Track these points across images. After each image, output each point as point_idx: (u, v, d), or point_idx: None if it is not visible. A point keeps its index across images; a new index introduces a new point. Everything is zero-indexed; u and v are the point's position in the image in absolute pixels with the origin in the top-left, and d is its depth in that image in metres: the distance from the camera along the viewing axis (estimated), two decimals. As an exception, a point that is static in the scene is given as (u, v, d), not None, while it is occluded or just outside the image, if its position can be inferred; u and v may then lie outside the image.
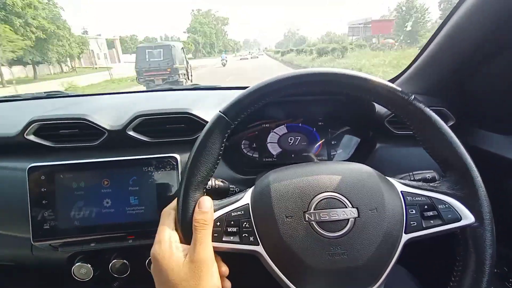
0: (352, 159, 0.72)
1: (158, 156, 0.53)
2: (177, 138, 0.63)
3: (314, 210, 0.37)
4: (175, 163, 0.53)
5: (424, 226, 0.37)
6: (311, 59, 20.45)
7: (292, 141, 0.73)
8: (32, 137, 0.61)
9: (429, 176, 0.47)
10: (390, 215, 0.37)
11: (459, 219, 0.37)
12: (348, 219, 0.36)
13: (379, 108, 0.67)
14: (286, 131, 0.73)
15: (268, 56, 45.02)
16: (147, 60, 10.51)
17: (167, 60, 10.39)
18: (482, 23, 0.53)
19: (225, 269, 0.40)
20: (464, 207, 0.37)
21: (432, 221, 0.37)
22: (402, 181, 0.42)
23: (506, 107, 0.58)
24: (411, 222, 0.37)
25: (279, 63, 25.52)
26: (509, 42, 0.51)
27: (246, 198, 0.40)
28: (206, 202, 0.38)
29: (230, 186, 0.52)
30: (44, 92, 1.00)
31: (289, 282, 0.36)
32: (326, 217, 0.36)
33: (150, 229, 0.50)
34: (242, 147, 0.73)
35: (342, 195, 0.38)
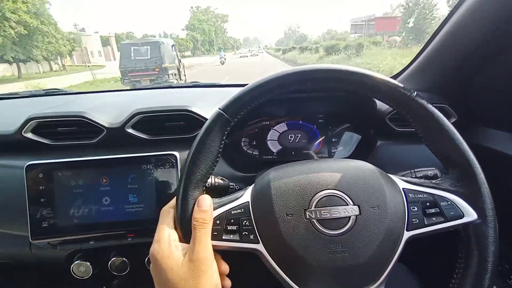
0: (352, 156, 0.71)
1: (157, 153, 0.53)
2: (176, 136, 0.63)
3: (315, 207, 0.36)
4: (174, 161, 0.53)
5: (426, 223, 0.37)
6: (318, 58, 18.67)
7: (292, 139, 0.72)
8: (30, 135, 0.60)
9: (430, 174, 0.47)
10: (391, 212, 0.36)
11: (461, 216, 0.37)
12: (350, 217, 0.36)
13: (380, 105, 0.66)
14: (286, 128, 0.72)
15: (268, 54, 44.28)
16: (133, 58, 9.26)
17: (155, 58, 9.20)
18: (484, 20, 0.52)
19: (225, 268, 0.40)
20: (467, 204, 0.37)
21: (434, 218, 0.37)
22: (403, 178, 0.41)
23: (509, 104, 0.57)
24: (413, 220, 0.37)
25: (281, 62, 23.76)
26: (509, 41, 0.51)
27: (246, 196, 0.40)
28: (205, 200, 0.37)
29: (230, 183, 0.52)
30: (43, 90, 0.99)
31: (290, 280, 0.35)
32: (327, 214, 0.36)
33: (149, 227, 0.50)
34: (242, 144, 0.73)
35: (343, 193, 0.37)
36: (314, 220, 0.36)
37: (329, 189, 0.37)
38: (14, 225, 0.57)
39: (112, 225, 0.52)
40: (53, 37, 21.56)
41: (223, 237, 0.37)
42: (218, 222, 0.38)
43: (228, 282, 0.41)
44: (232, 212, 0.38)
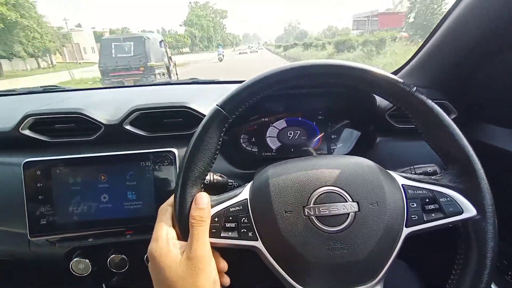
0: (352, 153, 0.71)
1: (155, 150, 0.52)
2: (175, 133, 0.62)
3: (314, 204, 0.36)
4: (172, 158, 0.53)
5: (425, 219, 0.37)
6: (327, 56, 15.95)
7: (291, 135, 0.72)
8: (27, 132, 0.60)
9: (430, 170, 0.47)
10: (391, 208, 0.36)
11: (460, 212, 0.36)
12: (348, 213, 0.36)
13: (380, 101, 0.66)
14: (286, 125, 0.72)
15: (268, 51, 43.16)
16: (114, 56, 8.06)
17: (139, 56, 7.98)
18: (484, 16, 0.51)
19: (224, 265, 0.40)
20: (466, 200, 0.37)
21: (433, 215, 0.37)
22: (403, 174, 0.41)
23: (509, 100, 0.57)
24: (412, 216, 0.37)
25: (283, 60, 21.23)
26: (509, 39, 0.50)
27: (244, 193, 0.39)
28: (203, 198, 0.37)
29: (229, 180, 0.51)
30: (41, 87, 0.99)
31: (288, 277, 0.35)
32: (326, 211, 0.36)
33: (148, 224, 0.50)
34: (241, 141, 0.72)
35: (342, 189, 0.37)
36: (313, 217, 0.36)
37: (328, 185, 0.37)
38: (13, 223, 0.57)
39: (110, 222, 0.52)
40: (35, 31, 19.76)
41: (222, 235, 0.37)
42: (216, 219, 0.37)
43: (226, 280, 0.41)
44: (231, 209, 0.38)
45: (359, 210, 0.36)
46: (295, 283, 0.35)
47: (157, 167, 0.52)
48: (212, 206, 0.38)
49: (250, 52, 41.68)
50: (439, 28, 0.62)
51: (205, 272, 0.34)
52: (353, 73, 0.38)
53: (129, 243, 0.54)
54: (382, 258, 0.36)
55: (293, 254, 0.35)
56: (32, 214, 0.50)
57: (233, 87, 0.39)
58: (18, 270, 0.68)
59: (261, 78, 0.38)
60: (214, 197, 0.40)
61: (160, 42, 8.87)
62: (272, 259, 0.36)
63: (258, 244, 0.36)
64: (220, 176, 0.50)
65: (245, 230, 0.37)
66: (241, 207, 0.38)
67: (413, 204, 0.37)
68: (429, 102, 0.38)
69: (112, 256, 0.56)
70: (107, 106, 0.65)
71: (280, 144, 0.72)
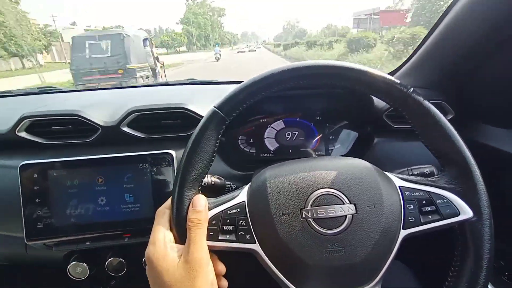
0: (350, 153, 0.71)
1: (153, 152, 0.52)
2: (172, 134, 0.62)
3: (311, 206, 0.36)
4: (170, 160, 0.52)
5: (422, 221, 0.37)
6: (338, 56, 13.27)
7: (289, 136, 0.72)
8: (23, 134, 0.59)
9: (427, 171, 0.47)
10: (388, 211, 0.36)
11: (457, 213, 0.37)
12: (346, 216, 0.36)
13: (377, 102, 0.66)
14: (284, 126, 0.72)
15: (267, 50, 42.52)
16: (88, 56, 6.88)
17: (117, 56, 6.81)
18: (482, 15, 0.52)
19: (222, 268, 0.40)
20: (463, 202, 0.37)
21: (430, 216, 0.37)
22: (400, 176, 0.41)
23: (506, 101, 0.57)
24: (409, 218, 0.37)
25: (283, 60, 19.81)
26: (507, 38, 0.50)
27: (242, 195, 0.39)
28: (200, 200, 0.37)
29: (227, 182, 0.51)
30: (37, 88, 0.98)
31: (286, 280, 0.35)
32: (323, 213, 0.36)
33: (146, 227, 0.50)
34: (239, 142, 0.72)
35: (340, 191, 0.37)
36: (310, 219, 0.36)
37: (325, 187, 0.37)
38: (9, 226, 0.56)
39: (108, 225, 0.51)
40: (12, 28, 17.87)
41: (219, 237, 0.37)
42: (214, 222, 0.37)
43: (224, 283, 0.41)
44: (228, 212, 0.38)
45: (356, 212, 0.36)
46: (293, 286, 0.35)
47: (154, 169, 0.52)
48: (210, 209, 0.38)
49: (249, 51, 41.50)
50: (437, 27, 0.62)
51: (202, 275, 0.34)
52: (350, 74, 0.38)
53: (127, 246, 0.53)
54: (379, 260, 0.36)
55: (291, 256, 0.35)
56: (29, 217, 0.49)
57: (231, 88, 0.39)
58: (15, 274, 0.67)
59: (258, 80, 0.38)
60: (212, 200, 0.39)
61: (144, 40, 7.71)
62: (269, 262, 0.36)
63: (256, 247, 0.36)
64: (218, 178, 0.50)
65: (243, 233, 0.37)
66: (238, 210, 0.38)
67: (410, 206, 0.37)
68: (426, 103, 0.38)
69: (110, 259, 0.56)
70: (104, 108, 0.65)
71: (278, 145, 0.72)
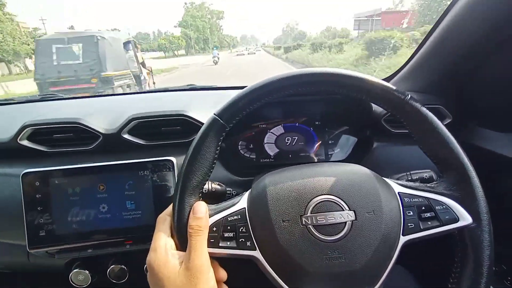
0: (349, 158, 0.72)
1: (153, 159, 0.53)
2: (173, 141, 0.63)
3: (311, 213, 0.36)
4: (171, 166, 0.53)
5: (421, 227, 0.37)
6: (355, 60, 10.54)
7: (289, 141, 0.72)
8: (25, 142, 0.60)
9: (426, 176, 0.47)
10: (387, 217, 0.36)
11: (456, 220, 0.37)
12: (345, 222, 0.36)
13: (376, 107, 0.66)
14: (283, 131, 0.72)
15: (267, 53, 41.69)
16: (55, 63, 5.77)
17: (90, 63, 5.72)
18: (479, 20, 0.52)
19: (223, 275, 0.40)
20: (462, 208, 0.37)
21: (429, 223, 0.37)
22: (399, 181, 0.41)
23: (504, 105, 0.58)
24: (409, 224, 0.37)
25: (285, 64, 18.17)
26: (507, 38, 0.51)
27: (242, 202, 0.40)
28: (201, 207, 0.37)
29: (227, 189, 0.52)
30: (38, 95, 0.99)
31: (287, 287, 0.36)
32: (323, 220, 0.36)
33: (147, 234, 0.50)
34: (239, 148, 0.72)
35: (339, 198, 0.37)
36: (310, 226, 0.36)
37: (324, 194, 0.38)
38: (11, 234, 0.57)
39: (110, 233, 0.52)
40: None
41: (220, 244, 0.37)
42: (214, 229, 0.38)
43: None
44: (229, 219, 0.38)
45: (356, 219, 0.36)
46: None
47: (155, 176, 0.53)
48: (210, 216, 0.38)
49: (248, 53, 41.51)
50: (434, 32, 0.63)
51: (203, 282, 0.35)
52: (349, 81, 0.38)
53: (129, 253, 0.54)
54: (379, 267, 0.36)
55: (291, 263, 0.35)
56: (31, 225, 0.50)
57: (231, 93, 0.39)
58: (17, 281, 0.67)
59: (258, 87, 0.38)
60: (213, 206, 0.40)
61: (126, 43, 6.59)
62: (270, 269, 0.36)
63: (256, 253, 0.37)
64: (218, 184, 0.51)
65: (243, 240, 0.37)
66: (239, 216, 0.38)
67: (410, 212, 0.38)
68: (424, 110, 0.38)
69: (111, 266, 0.56)
70: (105, 115, 0.66)
71: (278, 150, 0.73)
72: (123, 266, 0.56)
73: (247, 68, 16.03)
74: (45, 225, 0.50)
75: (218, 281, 0.38)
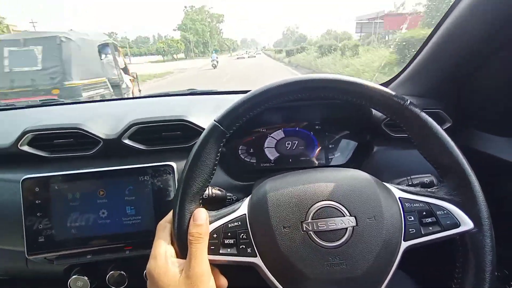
0: (349, 162, 0.72)
1: (154, 164, 0.53)
2: (173, 146, 0.63)
3: (312, 219, 0.36)
4: (171, 171, 0.53)
5: (423, 233, 0.37)
6: (380, 66, 7.74)
7: (289, 146, 0.72)
8: (26, 148, 0.60)
9: (427, 180, 0.47)
10: (388, 223, 0.36)
11: (458, 225, 0.37)
12: (346, 228, 0.36)
13: (375, 111, 0.66)
14: (283, 135, 0.72)
15: (267, 57, 41.09)
16: (7, 70, 4.45)
17: (51, 69, 4.47)
18: (479, 24, 0.52)
19: (224, 282, 0.40)
20: (463, 213, 0.37)
21: (430, 228, 0.37)
22: (399, 186, 0.41)
23: (504, 109, 0.58)
24: (410, 229, 0.37)
25: (288, 68, 16.91)
26: (506, 42, 0.51)
27: (243, 208, 0.40)
28: (201, 214, 0.37)
29: (228, 194, 0.52)
30: (39, 100, 0.99)
31: None
32: (323, 226, 0.36)
33: (147, 239, 0.50)
34: (240, 152, 0.72)
35: (340, 204, 0.37)
36: (311, 232, 0.36)
37: (325, 200, 0.37)
38: (10, 240, 0.56)
39: (109, 238, 0.52)
40: None
41: (220, 251, 0.37)
42: (215, 235, 0.37)
43: None
44: (229, 225, 0.38)
45: (356, 225, 0.36)
46: None
47: (155, 181, 0.53)
48: (211, 222, 0.38)
49: (248, 57, 41.59)
50: (433, 37, 0.63)
51: None
52: (348, 87, 0.38)
53: (128, 258, 0.53)
54: (381, 272, 0.36)
55: (292, 270, 0.35)
56: (30, 231, 0.50)
57: (232, 98, 0.40)
58: (14, 286, 0.67)
59: (258, 93, 0.38)
60: (213, 213, 0.40)
61: (104, 46, 5.40)
62: (271, 276, 0.36)
63: (257, 260, 0.36)
64: (219, 190, 0.51)
65: (244, 246, 0.37)
66: (239, 223, 0.38)
67: (411, 218, 0.37)
68: (423, 115, 0.38)
69: (111, 272, 0.55)
70: (105, 120, 0.66)
71: (278, 154, 0.73)
72: (122, 272, 0.56)
73: (247, 71, 15.79)
74: (44, 231, 0.50)
75: None
